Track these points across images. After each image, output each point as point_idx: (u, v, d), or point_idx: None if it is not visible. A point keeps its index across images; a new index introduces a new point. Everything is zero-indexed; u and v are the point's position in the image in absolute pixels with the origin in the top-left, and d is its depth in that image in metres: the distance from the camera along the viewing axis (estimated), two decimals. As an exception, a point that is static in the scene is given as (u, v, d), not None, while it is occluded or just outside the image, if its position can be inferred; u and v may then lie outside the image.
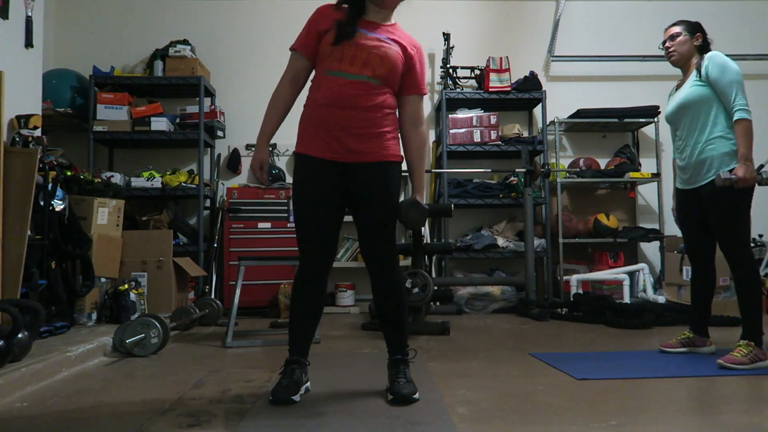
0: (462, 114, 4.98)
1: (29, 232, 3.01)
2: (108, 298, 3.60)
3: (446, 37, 5.06)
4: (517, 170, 4.63)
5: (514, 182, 4.90)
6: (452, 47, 5.09)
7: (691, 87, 2.77)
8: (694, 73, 2.79)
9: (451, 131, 4.93)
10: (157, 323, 2.95)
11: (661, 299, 4.52)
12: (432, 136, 5.34)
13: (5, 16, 3.19)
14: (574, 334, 3.55)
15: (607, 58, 5.37)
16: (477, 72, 5.13)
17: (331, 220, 2.13)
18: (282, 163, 5.15)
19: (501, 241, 4.90)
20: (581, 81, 5.38)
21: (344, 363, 2.76)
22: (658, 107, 4.96)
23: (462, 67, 5.13)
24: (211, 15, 5.26)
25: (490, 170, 4.80)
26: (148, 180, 4.62)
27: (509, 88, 4.98)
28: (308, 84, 2.22)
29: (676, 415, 1.91)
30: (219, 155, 5.16)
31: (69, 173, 3.59)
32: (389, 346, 2.21)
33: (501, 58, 5.02)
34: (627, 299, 4.42)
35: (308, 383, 2.19)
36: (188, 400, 2.11)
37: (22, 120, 3.17)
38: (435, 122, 5.33)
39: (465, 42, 5.25)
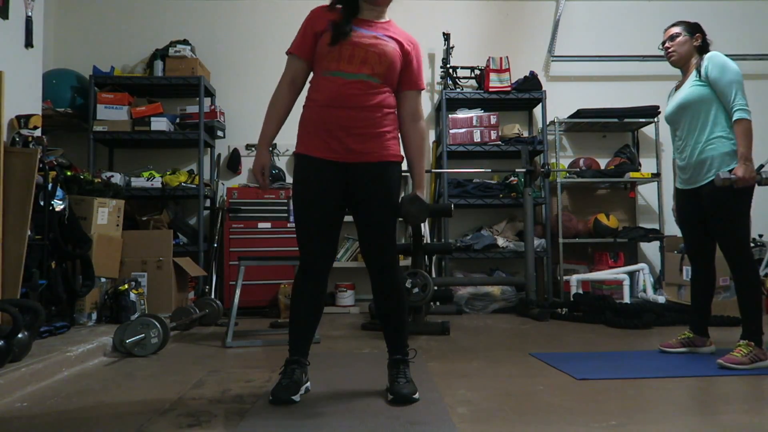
0: (462, 114, 4.98)
1: (29, 232, 3.01)
2: (108, 298, 3.60)
3: (446, 37, 5.06)
4: (517, 170, 4.63)
5: (514, 182, 4.90)
6: (452, 47, 5.09)
7: (690, 87, 2.78)
8: (693, 74, 2.79)
9: (451, 131, 4.93)
10: (157, 323, 2.95)
11: (661, 299, 4.52)
12: (432, 136, 5.35)
13: (5, 16, 3.19)
14: (574, 334, 3.55)
15: (607, 58, 5.37)
16: (477, 72, 5.13)
17: (331, 221, 2.13)
18: (282, 163, 5.15)
19: (501, 241, 4.90)
20: (581, 81, 5.38)
21: (344, 363, 2.76)
22: (658, 107, 4.96)
23: (462, 67, 5.14)
24: (211, 15, 5.26)
25: (490, 170, 4.80)
26: (148, 180, 4.63)
27: (509, 88, 4.98)
28: (306, 85, 2.22)
29: (676, 415, 1.91)
30: (219, 155, 5.16)
31: (69, 173, 3.59)
32: (389, 346, 2.21)
33: (501, 58, 5.02)
34: (627, 299, 4.42)
35: (308, 383, 2.19)
36: (188, 400, 2.11)
37: (22, 120, 3.17)
38: (435, 122, 5.33)
39: (465, 42, 5.25)
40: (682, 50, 2.85)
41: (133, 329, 2.92)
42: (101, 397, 2.17)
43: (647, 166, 5.22)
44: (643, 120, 5.07)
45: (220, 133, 5.04)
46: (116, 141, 4.81)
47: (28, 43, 3.40)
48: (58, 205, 3.27)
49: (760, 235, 4.88)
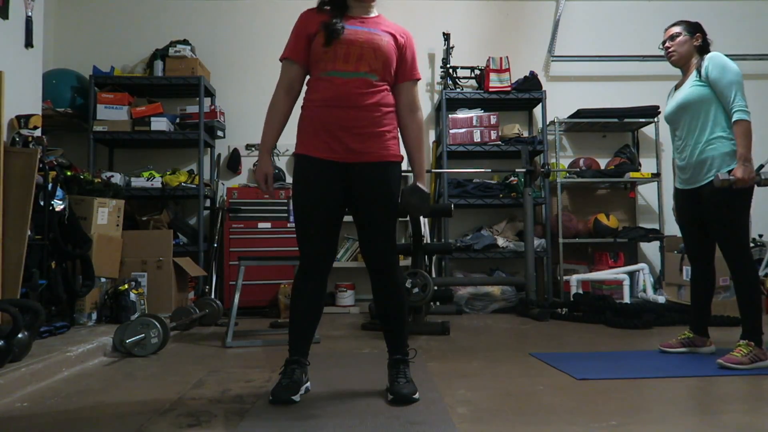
0: (462, 114, 4.98)
1: (29, 232, 3.01)
2: (108, 298, 3.60)
3: (446, 37, 5.06)
4: (517, 170, 4.63)
5: (514, 182, 4.90)
6: (452, 47, 5.09)
7: (690, 87, 2.78)
8: (694, 74, 2.79)
9: (451, 131, 4.93)
10: (157, 323, 2.95)
11: (661, 299, 4.52)
12: (432, 136, 5.35)
13: (5, 16, 3.19)
14: (574, 334, 3.55)
15: (607, 58, 5.37)
16: (477, 72, 5.13)
17: (331, 221, 2.13)
18: (282, 163, 5.15)
19: (501, 241, 4.90)
20: (581, 81, 5.38)
21: (344, 363, 2.76)
22: (658, 107, 4.96)
23: (462, 67, 5.14)
24: (211, 15, 5.26)
25: (490, 170, 4.80)
26: (148, 180, 4.63)
27: (509, 88, 4.98)
28: (303, 87, 2.22)
29: (676, 415, 1.91)
30: (219, 155, 5.16)
31: (69, 173, 3.59)
32: (389, 346, 2.21)
33: (501, 58, 5.02)
34: (627, 299, 4.42)
35: (308, 383, 2.19)
36: (188, 400, 2.11)
37: (22, 120, 3.17)
38: (435, 122, 5.33)
39: (465, 42, 5.25)
40: (683, 50, 2.85)
41: (133, 329, 2.92)
42: (101, 397, 2.17)
43: (647, 166, 5.22)
44: (643, 120, 5.07)
45: (220, 133, 5.04)
46: (116, 141, 4.81)
47: (28, 43, 3.40)
48: (58, 205, 3.27)
49: (760, 235, 4.88)
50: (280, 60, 2.19)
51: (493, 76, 4.98)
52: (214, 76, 5.16)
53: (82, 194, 3.62)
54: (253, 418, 1.88)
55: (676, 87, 2.94)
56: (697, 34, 2.85)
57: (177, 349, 3.12)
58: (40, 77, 3.60)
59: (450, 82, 5.09)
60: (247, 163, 5.16)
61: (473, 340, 3.36)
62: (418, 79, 2.23)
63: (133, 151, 5.09)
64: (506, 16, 5.43)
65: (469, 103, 5.07)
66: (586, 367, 2.55)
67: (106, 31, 5.18)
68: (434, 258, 4.88)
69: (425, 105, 5.32)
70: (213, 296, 4.57)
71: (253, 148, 5.14)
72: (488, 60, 5.02)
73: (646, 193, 5.34)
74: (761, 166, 4.54)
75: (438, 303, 4.43)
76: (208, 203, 4.94)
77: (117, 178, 4.46)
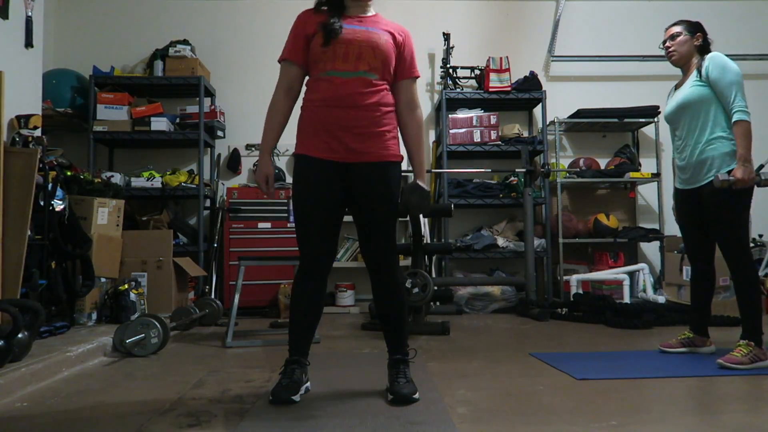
0: (462, 114, 4.98)
1: (29, 232, 3.01)
2: (108, 298, 3.60)
3: (446, 37, 5.06)
4: (517, 170, 4.63)
5: (514, 182, 4.90)
6: (452, 47, 5.09)
7: (691, 87, 2.77)
8: (694, 74, 2.79)
9: (451, 131, 4.93)
10: (157, 323, 2.95)
11: (661, 299, 4.52)
12: (432, 136, 5.35)
13: (5, 16, 3.19)
14: (574, 334, 3.55)
15: (607, 58, 5.37)
16: (477, 72, 5.13)
17: (331, 221, 2.13)
18: (282, 163, 5.15)
19: (501, 241, 4.90)
20: (581, 81, 5.38)
21: (344, 363, 2.76)
22: (658, 107, 4.96)
23: (462, 67, 5.14)
24: (211, 15, 5.26)
25: (490, 170, 4.80)
26: (148, 180, 4.63)
27: (509, 88, 4.98)
28: (302, 87, 2.22)
29: (676, 415, 1.91)
30: (219, 155, 5.16)
31: (69, 173, 3.59)
32: (389, 346, 2.21)
33: (501, 58, 5.02)
34: (627, 299, 4.42)
35: (308, 383, 2.19)
36: (188, 400, 2.11)
37: (22, 120, 3.17)
38: (435, 122, 5.33)
39: (465, 42, 5.25)
40: (683, 50, 2.85)
41: (133, 329, 2.92)
42: (101, 397, 2.17)
43: (647, 166, 5.22)
44: (643, 120, 5.07)
45: (220, 133, 5.04)
46: (116, 141, 4.81)
47: (28, 43, 3.40)
48: (58, 205, 3.27)
49: (760, 235, 4.88)
50: (279, 61, 2.20)
51: (493, 76, 4.98)
52: (214, 76, 5.16)
53: (82, 194, 3.62)
54: (253, 418, 1.88)
55: (676, 87, 2.94)
56: (697, 34, 2.85)
57: (177, 349, 3.12)
58: (40, 77, 3.60)
59: (450, 82, 5.09)
60: (247, 163, 5.16)
61: (473, 340, 3.36)
62: (417, 77, 2.23)
63: (133, 151, 5.09)
64: (506, 16, 5.43)
65: (469, 103, 5.07)
66: (586, 367, 2.55)
67: (106, 31, 5.18)
68: (434, 258, 4.88)
69: (425, 105, 5.32)
70: (213, 296, 4.57)
71: (253, 148, 5.14)
72: (488, 60, 5.02)
73: (646, 193, 5.34)
74: (761, 166, 4.55)
75: (438, 303, 4.43)
76: (208, 203, 4.94)
77: (117, 178, 4.47)
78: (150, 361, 2.82)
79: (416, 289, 3.48)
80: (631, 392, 2.17)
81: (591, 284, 4.72)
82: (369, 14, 2.19)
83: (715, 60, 2.70)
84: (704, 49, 2.84)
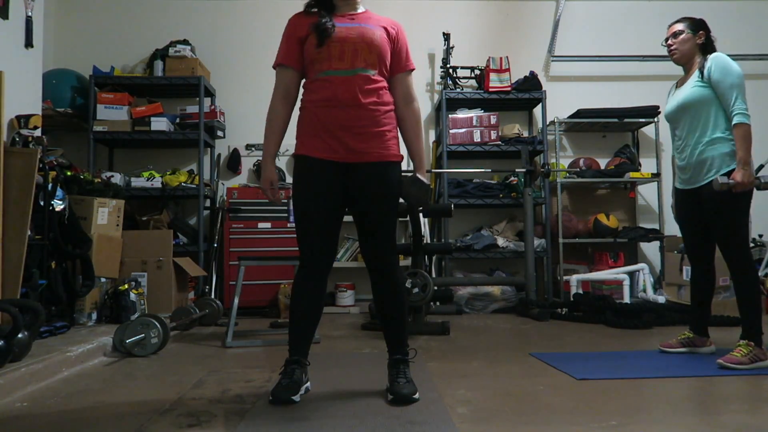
0: (462, 114, 4.98)
1: (29, 232, 3.01)
2: (108, 298, 3.60)
3: (446, 37, 5.06)
4: (517, 170, 4.63)
5: (514, 182, 4.90)
6: (452, 47, 5.09)
7: (692, 88, 2.76)
8: (696, 74, 2.78)
9: (451, 131, 4.93)
10: (157, 323, 2.95)
11: (661, 299, 4.52)
12: (432, 136, 5.35)
13: (5, 16, 3.19)
14: (574, 334, 3.55)
15: (607, 58, 5.37)
16: (477, 72, 5.13)
17: (331, 221, 2.13)
18: (282, 163, 5.14)
19: (501, 241, 4.90)
20: (581, 81, 5.38)
21: (344, 363, 2.76)
22: (658, 107, 4.96)
23: (462, 67, 5.13)
24: (211, 15, 5.26)
25: (490, 170, 4.80)
26: (148, 180, 4.62)
27: (509, 88, 4.98)
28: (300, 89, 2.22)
29: (676, 415, 1.91)
30: (219, 155, 5.16)
31: (69, 173, 3.59)
32: (389, 345, 2.21)
33: (501, 58, 5.02)
34: (627, 299, 4.42)
35: (308, 383, 2.19)
36: (188, 400, 2.11)
37: (22, 120, 3.17)
38: (435, 122, 5.33)
39: (465, 42, 5.25)
40: (685, 48, 2.84)
41: (133, 329, 2.92)
42: (101, 397, 2.17)
43: (647, 166, 5.22)
44: (643, 120, 5.07)
45: (220, 133, 5.04)
46: (116, 141, 4.80)
47: (28, 43, 3.40)
48: (58, 205, 3.27)
49: (760, 235, 4.88)
50: (274, 67, 2.20)
51: (493, 76, 4.98)
52: (214, 76, 5.16)
53: (82, 194, 3.62)
54: (253, 418, 1.88)
55: (678, 84, 2.92)
56: (700, 32, 2.83)
57: (177, 349, 3.12)
58: (40, 77, 3.60)
59: (450, 82, 5.09)
60: (247, 163, 5.16)
61: (473, 340, 3.36)
62: (413, 70, 2.23)
63: (133, 151, 5.09)
64: (506, 16, 5.43)
65: (469, 103, 5.06)
66: (586, 367, 2.55)
67: (106, 31, 5.18)
68: (434, 258, 4.88)
69: (425, 105, 5.32)
70: (213, 296, 4.57)
71: (253, 148, 5.14)
72: (488, 60, 5.02)
73: (646, 193, 5.34)
74: (761, 166, 4.55)
75: (438, 303, 4.43)
76: (208, 203, 4.94)
77: (117, 178, 4.47)
78: (150, 361, 2.82)
79: (416, 289, 3.48)
80: (631, 392, 2.17)
81: (591, 284, 4.72)
82: (359, 11, 2.19)
83: (717, 61, 2.69)
84: (707, 47, 2.82)
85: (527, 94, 5.00)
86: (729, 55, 2.74)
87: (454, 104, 5.07)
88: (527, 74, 5.10)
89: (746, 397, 2.13)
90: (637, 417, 1.87)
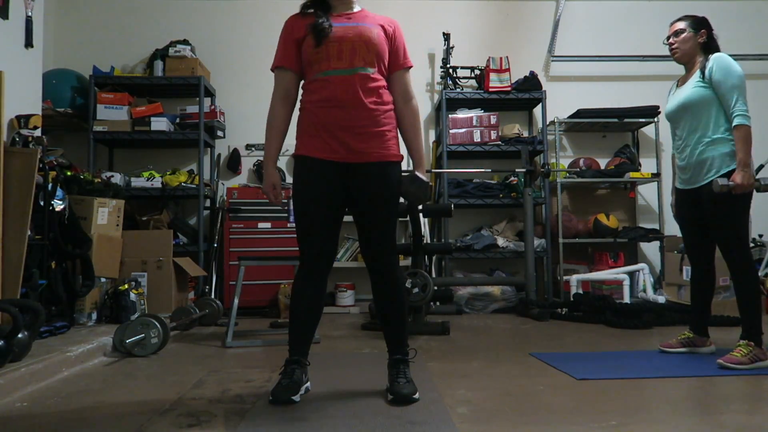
0: (462, 114, 4.98)
1: (29, 232, 3.01)
2: (108, 298, 3.60)
3: (446, 37, 5.06)
4: (517, 170, 4.63)
5: (514, 182, 4.90)
6: (452, 47, 5.09)
7: (693, 88, 2.75)
8: (697, 74, 2.76)
9: (451, 131, 4.93)
10: (157, 323, 2.95)
11: (661, 299, 4.52)
12: (432, 136, 5.35)
13: (5, 16, 3.19)
14: (574, 334, 3.55)
15: (607, 58, 5.37)
16: (477, 72, 5.13)
17: (331, 221, 2.13)
18: (282, 162, 5.14)
19: (501, 241, 4.90)
20: (581, 81, 5.38)
21: (344, 363, 2.75)
22: (658, 107, 4.96)
23: (462, 67, 5.13)
24: (211, 15, 5.26)
25: (490, 170, 4.80)
26: (148, 180, 4.62)
27: (509, 88, 4.98)
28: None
29: (676, 415, 1.91)
30: (219, 155, 5.16)
31: (69, 173, 3.59)
32: (389, 345, 2.21)
33: (501, 58, 5.02)
34: (627, 299, 4.42)
35: (308, 383, 2.19)
36: (188, 400, 2.11)
37: (22, 120, 3.17)
38: (435, 122, 5.33)
39: (465, 42, 5.25)
40: (686, 47, 2.83)
41: (133, 329, 2.92)
42: (101, 397, 2.17)
43: (647, 166, 5.22)
44: (643, 120, 5.07)
45: (220, 133, 5.04)
46: (116, 141, 4.80)
47: (28, 43, 3.40)
48: (58, 205, 3.27)
49: (760, 235, 4.88)
50: (272, 70, 2.20)
51: (493, 76, 4.98)
52: (214, 76, 5.16)
53: (82, 194, 3.62)
54: (253, 418, 1.88)
55: (679, 83, 2.91)
56: (702, 31, 2.82)
57: (177, 349, 3.12)
58: (40, 77, 3.60)
59: (450, 82, 5.09)
60: (247, 163, 5.16)
61: (473, 340, 3.36)
62: (410, 67, 2.23)
63: (133, 151, 5.09)
64: (506, 16, 5.43)
65: (469, 103, 5.07)
66: (586, 367, 2.55)
67: (106, 31, 5.18)
68: (434, 258, 4.88)
69: (426, 105, 5.32)
70: (213, 296, 4.57)
71: (253, 148, 5.14)
72: (488, 60, 5.02)
73: (646, 193, 5.34)
74: (761, 166, 4.55)
75: (438, 303, 4.43)
76: (208, 203, 4.94)
77: (117, 178, 4.46)
78: (150, 361, 2.82)
79: (416, 289, 3.48)
80: (631, 392, 2.17)
81: (591, 284, 4.72)
82: (355, 10, 2.19)
83: (719, 62, 2.68)
84: (708, 46, 2.81)
85: (527, 94, 5.00)
86: (729, 55, 2.74)
87: (454, 104, 5.07)
88: (527, 74, 5.10)
89: (746, 397, 2.13)
90: (637, 417, 1.87)
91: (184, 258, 4.21)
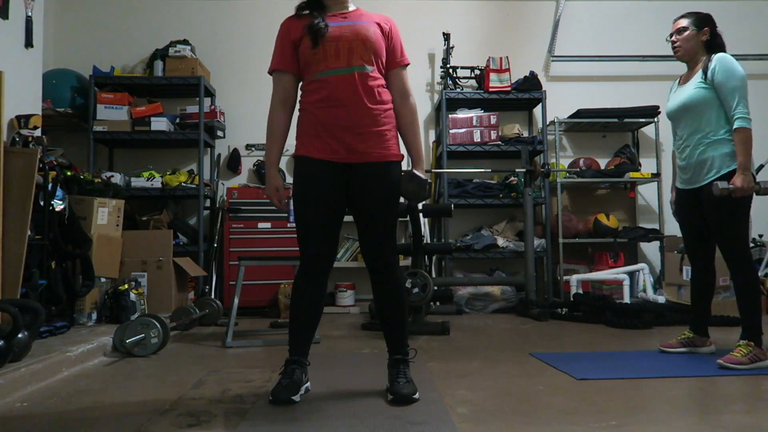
0: (462, 114, 4.98)
1: (29, 232, 3.01)
2: (108, 298, 3.60)
3: (446, 37, 5.06)
4: (517, 170, 4.63)
5: (514, 182, 4.90)
6: (452, 47, 5.08)
7: (694, 89, 2.74)
8: (699, 74, 2.75)
9: (451, 131, 4.93)
10: (157, 323, 2.95)
11: (661, 299, 4.52)
12: (432, 136, 5.35)
13: (5, 16, 3.19)
14: (574, 334, 3.55)
15: (607, 58, 5.37)
16: (477, 72, 5.13)
17: (331, 221, 2.13)
18: (282, 162, 5.14)
19: (501, 241, 4.90)
20: (581, 81, 5.38)
21: (344, 363, 2.76)
22: (658, 107, 4.96)
23: (462, 67, 5.13)
24: (211, 15, 5.26)
25: (490, 170, 4.80)
26: (148, 180, 4.62)
27: (509, 88, 4.98)
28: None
29: (676, 415, 1.91)
30: (219, 155, 5.16)
31: (69, 173, 3.59)
32: (389, 345, 2.21)
33: (501, 58, 5.01)
34: (627, 299, 4.42)
35: (308, 383, 2.19)
36: (188, 400, 2.11)
37: (22, 120, 3.17)
38: (435, 122, 5.33)
39: (465, 42, 5.25)
40: (688, 45, 2.81)
41: (133, 329, 2.92)
42: (101, 397, 2.17)
43: (647, 166, 5.22)
44: (643, 120, 5.07)
45: (220, 133, 5.04)
46: (116, 141, 4.80)
47: (28, 43, 3.40)
48: (58, 205, 3.27)
49: (760, 235, 4.88)
50: (269, 73, 2.19)
51: (493, 76, 4.98)
52: (214, 76, 5.16)
53: (82, 194, 3.62)
54: (253, 418, 1.88)
55: (680, 81, 2.89)
56: (705, 29, 2.79)
57: (177, 349, 3.12)
58: (40, 77, 3.60)
59: (450, 82, 5.08)
60: (247, 163, 5.16)
61: (473, 340, 3.36)
62: (407, 65, 2.23)
63: (133, 151, 5.09)
64: (506, 16, 5.43)
65: (469, 103, 5.06)
66: (586, 367, 2.55)
67: (106, 31, 5.18)
68: (434, 258, 4.88)
69: (426, 105, 5.32)
70: (213, 296, 4.57)
71: (253, 148, 5.14)
72: (488, 60, 5.02)
73: (646, 193, 5.34)
74: (761, 167, 4.55)
75: (438, 303, 4.43)
76: (208, 203, 4.94)
77: (117, 178, 4.46)
78: (150, 361, 2.82)
79: (416, 289, 3.48)
80: (631, 392, 2.17)
81: (591, 284, 4.72)
82: (350, 9, 2.19)
83: (721, 63, 2.66)
84: (711, 44, 2.79)
85: (527, 94, 5.00)
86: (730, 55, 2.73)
87: (454, 104, 5.07)
88: (527, 74, 5.10)
89: (746, 397, 2.13)
90: (637, 417, 1.87)
91: (184, 258, 4.21)
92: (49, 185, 3.18)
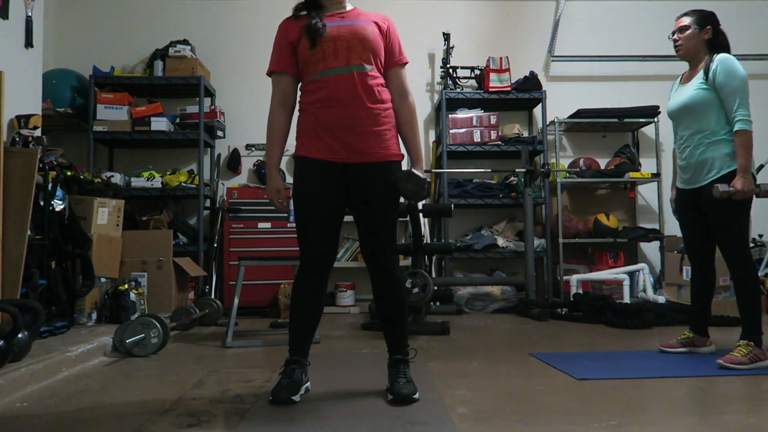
0: (462, 114, 4.98)
1: (29, 232, 3.01)
2: (108, 298, 3.60)
3: (446, 37, 5.06)
4: (517, 170, 4.63)
5: (514, 182, 4.90)
6: (452, 47, 5.08)
7: (695, 89, 2.73)
8: (700, 74, 2.74)
9: (451, 131, 4.93)
10: (157, 323, 2.95)
11: (661, 299, 4.52)
12: (432, 136, 5.35)
13: (5, 16, 3.19)
14: (574, 334, 3.55)
15: (607, 58, 5.37)
16: (477, 72, 5.13)
17: (331, 221, 2.13)
18: (282, 163, 5.13)
19: (501, 241, 4.90)
20: (581, 81, 5.38)
21: (344, 363, 2.76)
22: (658, 107, 4.96)
23: (462, 67, 5.13)
24: (211, 15, 5.26)
25: (490, 170, 4.80)
26: (148, 180, 4.62)
27: (509, 88, 4.98)
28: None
29: (676, 415, 1.91)
30: (219, 155, 5.16)
31: (69, 173, 3.59)
32: (389, 345, 2.21)
33: (501, 58, 5.01)
34: (627, 299, 4.42)
35: (308, 383, 2.19)
36: (188, 400, 2.11)
37: (22, 120, 3.17)
38: (435, 122, 5.33)
39: (465, 42, 5.25)
40: (690, 44, 2.80)
41: (133, 329, 2.92)
42: (101, 397, 2.17)
43: (647, 166, 5.22)
44: (643, 120, 5.07)
45: (220, 133, 5.04)
46: (116, 141, 4.80)
47: (28, 43, 3.40)
48: (58, 205, 3.27)
49: (760, 235, 4.88)
50: (268, 74, 2.19)
51: (493, 76, 4.98)
52: (214, 76, 5.16)
53: (82, 194, 3.62)
54: (253, 418, 1.88)
55: (682, 80, 2.88)
56: (707, 27, 2.77)
57: (177, 349, 3.12)
58: (40, 77, 3.60)
59: (450, 82, 5.08)
60: (247, 163, 5.16)
61: (473, 340, 3.36)
62: (406, 63, 2.23)
63: (133, 151, 5.09)
64: (506, 16, 5.43)
65: (469, 103, 5.06)
66: (586, 367, 2.55)
67: (106, 31, 5.18)
68: (434, 258, 4.88)
69: (426, 105, 5.32)
70: (213, 296, 4.57)
71: (253, 148, 5.14)
72: (488, 60, 5.02)
73: (646, 193, 5.34)
74: (761, 167, 4.55)
75: (438, 303, 4.43)
76: (208, 203, 4.94)
77: (117, 178, 4.46)
78: (150, 361, 2.82)
79: (416, 289, 3.48)
80: (631, 392, 2.17)
81: (591, 284, 4.72)
82: (348, 9, 2.19)
83: (723, 64, 2.65)
84: (714, 43, 2.77)
85: (527, 94, 5.00)
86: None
87: (454, 104, 5.07)
88: (527, 74, 5.10)
89: (746, 397, 2.13)
90: (637, 417, 1.87)
91: (184, 258, 4.21)
92: (49, 185, 3.18)
